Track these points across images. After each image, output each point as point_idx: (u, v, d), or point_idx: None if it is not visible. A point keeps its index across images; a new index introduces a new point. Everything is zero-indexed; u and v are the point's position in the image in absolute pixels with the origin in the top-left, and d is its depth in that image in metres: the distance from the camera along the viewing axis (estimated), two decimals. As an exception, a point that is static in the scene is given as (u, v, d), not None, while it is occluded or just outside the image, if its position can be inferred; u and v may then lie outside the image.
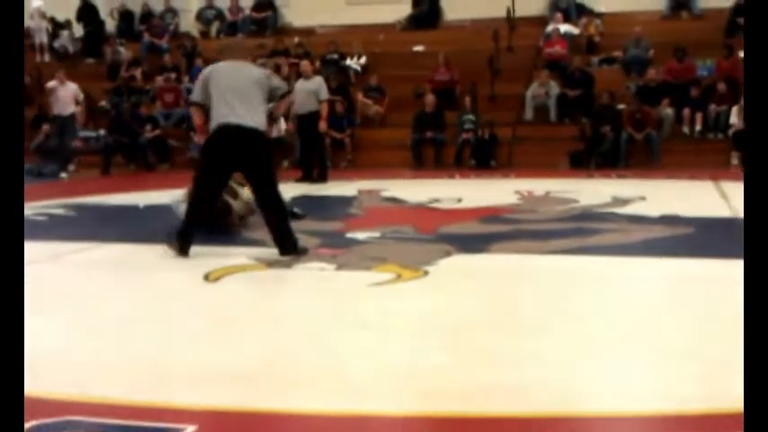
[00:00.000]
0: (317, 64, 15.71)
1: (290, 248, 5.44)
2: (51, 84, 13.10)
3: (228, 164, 5.56)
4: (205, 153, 5.68)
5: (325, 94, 11.13)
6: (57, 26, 19.11)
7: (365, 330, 3.77)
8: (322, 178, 11.13)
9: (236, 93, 5.48)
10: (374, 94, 15.25)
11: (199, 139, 6.27)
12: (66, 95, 12.96)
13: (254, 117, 5.45)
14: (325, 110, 11.19)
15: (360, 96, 10.36)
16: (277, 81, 5.96)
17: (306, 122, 11.15)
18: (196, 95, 5.79)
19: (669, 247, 5.70)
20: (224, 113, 5.45)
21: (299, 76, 11.96)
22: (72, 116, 13.08)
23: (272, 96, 5.79)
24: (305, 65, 11.73)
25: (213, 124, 5.54)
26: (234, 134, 5.39)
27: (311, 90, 11.00)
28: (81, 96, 13.27)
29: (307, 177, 11.14)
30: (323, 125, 11.13)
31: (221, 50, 6.16)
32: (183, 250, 5.48)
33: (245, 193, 6.48)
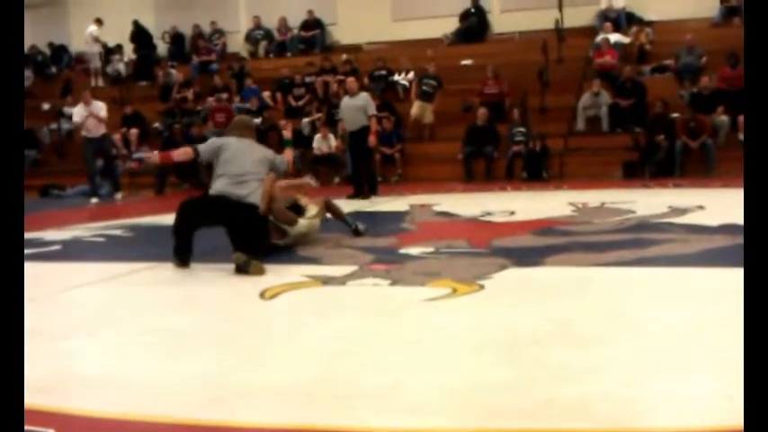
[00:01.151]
0: (366, 80, 15.84)
1: (245, 250, 5.69)
2: (77, 108, 12.91)
3: (212, 222, 6.08)
4: (197, 203, 6.20)
5: (372, 110, 11.13)
6: (108, 51, 19.50)
7: (422, 346, 3.73)
8: (372, 193, 11.11)
9: (238, 170, 6.08)
10: (431, 81, 15.26)
11: (149, 156, 7.30)
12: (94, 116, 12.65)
13: (251, 193, 6.04)
14: (374, 125, 11.17)
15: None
16: (279, 159, 6.52)
17: (356, 138, 11.11)
18: (204, 151, 6.29)
19: (731, 257, 5.55)
20: (225, 186, 6.04)
21: (347, 92, 12.02)
22: (104, 136, 12.89)
23: (275, 170, 6.44)
24: (350, 82, 11.76)
25: (213, 191, 6.11)
26: (230, 204, 5.96)
27: (358, 106, 11.00)
28: (103, 113, 12.77)
29: (358, 193, 11.13)
30: (373, 140, 11.13)
31: (232, 127, 6.72)
32: (182, 263, 5.98)
33: (295, 228, 6.56)
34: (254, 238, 5.98)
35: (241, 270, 5.61)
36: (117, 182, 13.53)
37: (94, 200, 12.78)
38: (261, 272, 5.56)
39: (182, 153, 6.49)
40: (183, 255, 5.98)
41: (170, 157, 6.71)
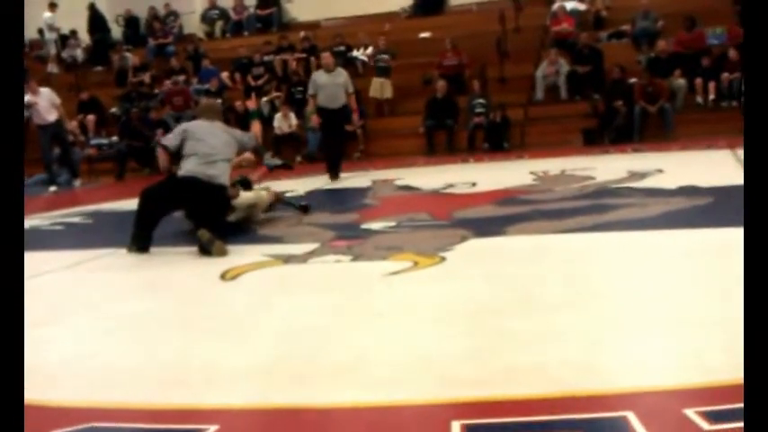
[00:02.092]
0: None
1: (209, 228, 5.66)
2: (28, 98, 12.55)
3: (181, 205, 6.11)
4: (163, 187, 6.12)
5: (352, 87, 10.69)
6: (64, 37, 19.18)
7: (383, 320, 3.73)
8: (337, 173, 10.72)
9: (208, 150, 6.06)
10: (384, 56, 15.22)
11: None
12: (44, 104, 12.46)
13: (221, 174, 6.05)
14: (354, 103, 10.80)
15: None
16: (247, 137, 6.57)
17: (335, 116, 10.45)
18: (170, 142, 6.25)
19: (688, 219, 5.63)
20: (196, 166, 5.99)
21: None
22: (58, 122, 12.63)
23: (243, 149, 6.62)
24: (326, 57, 10.88)
25: (183, 171, 6.03)
26: (201, 186, 5.93)
27: (339, 83, 10.42)
28: (58, 101, 12.73)
29: (333, 170, 10.60)
30: (356, 118, 10.81)
31: (199, 111, 6.75)
32: (142, 249, 5.92)
33: (239, 201, 6.51)
34: (219, 219, 5.95)
35: (204, 250, 5.57)
36: (75, 169, 13.35)
37: (53, 188, 12.61)
38: (223, 253, 5.53)
39: (163, 159, 6.35)
40: (142, 242, 5.91)
41: (165, 166, 6.38)
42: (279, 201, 7.24)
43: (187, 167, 6.03)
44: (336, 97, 10.39)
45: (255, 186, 6.89)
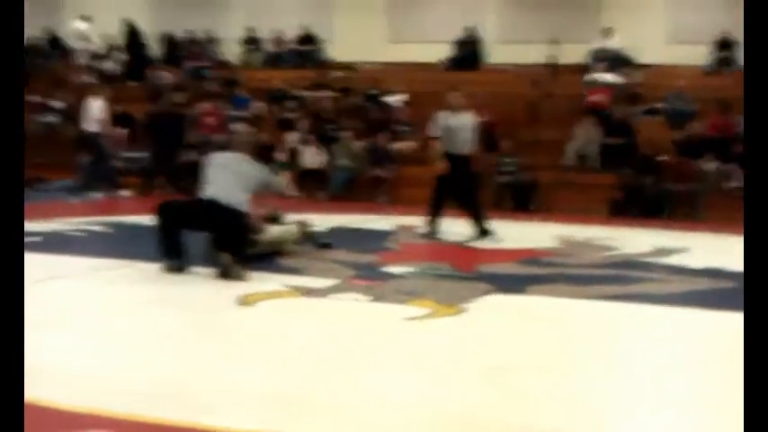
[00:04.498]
0: (359, 99, 15.84)
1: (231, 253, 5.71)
2: (99, 103, 12.91)
3: (201, 226, 6.09)
4: (183, 205, 6.39)
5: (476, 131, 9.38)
6: (101, 49, 19.39)
7: (396, 364, 3.70)
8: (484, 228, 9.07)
9: (228, 178, 6.06)
10: (404, 127, 15.27)
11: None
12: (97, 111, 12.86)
13: (240, 202, 5.98)
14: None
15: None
16: (270, 180, 6.61)
17: (463, 164, 9.11)
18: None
19: (711, 300, 5.57)
20: (216, 190, 5.99)
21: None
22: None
23: (266, 189, 6.51)
24: (456, 96, 9.43)
25: (204, 194, 6.11)
26: (220, 209, 5.89)
27: (469, 126, 9.17)
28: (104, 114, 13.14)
29: (483, 228, 9.04)
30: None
31: (234, 142, 6.80)
32: (178, 268, 5.84)
33: (265, 235, 6.53)
34: (240, 244, 5.93)
35: (224, 273, 5.55)
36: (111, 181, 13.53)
37: (78, 195, 12.70)
38: (242, 278, 5.50)
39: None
40: (174, 256, 5.84)
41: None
42: (305, 236, 7.22)
43: (207, 191, 6.05)
44: (465, 142, 9.11)
45: (285, 222, 6.89)
